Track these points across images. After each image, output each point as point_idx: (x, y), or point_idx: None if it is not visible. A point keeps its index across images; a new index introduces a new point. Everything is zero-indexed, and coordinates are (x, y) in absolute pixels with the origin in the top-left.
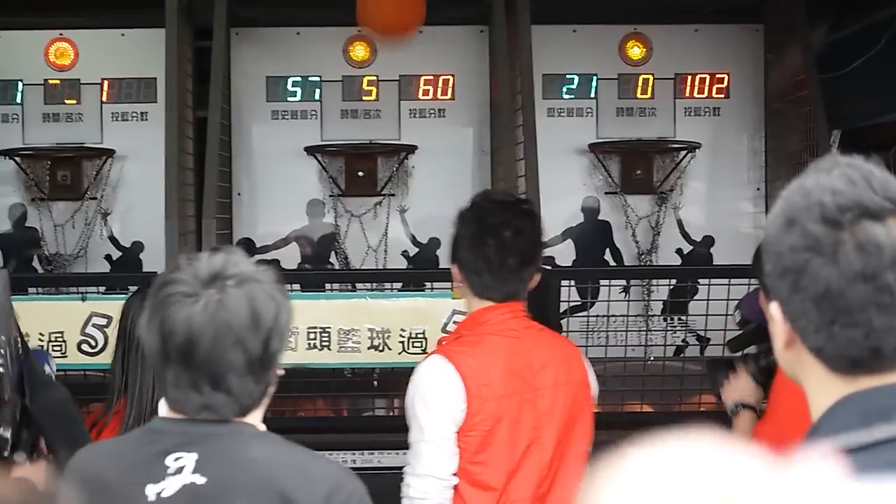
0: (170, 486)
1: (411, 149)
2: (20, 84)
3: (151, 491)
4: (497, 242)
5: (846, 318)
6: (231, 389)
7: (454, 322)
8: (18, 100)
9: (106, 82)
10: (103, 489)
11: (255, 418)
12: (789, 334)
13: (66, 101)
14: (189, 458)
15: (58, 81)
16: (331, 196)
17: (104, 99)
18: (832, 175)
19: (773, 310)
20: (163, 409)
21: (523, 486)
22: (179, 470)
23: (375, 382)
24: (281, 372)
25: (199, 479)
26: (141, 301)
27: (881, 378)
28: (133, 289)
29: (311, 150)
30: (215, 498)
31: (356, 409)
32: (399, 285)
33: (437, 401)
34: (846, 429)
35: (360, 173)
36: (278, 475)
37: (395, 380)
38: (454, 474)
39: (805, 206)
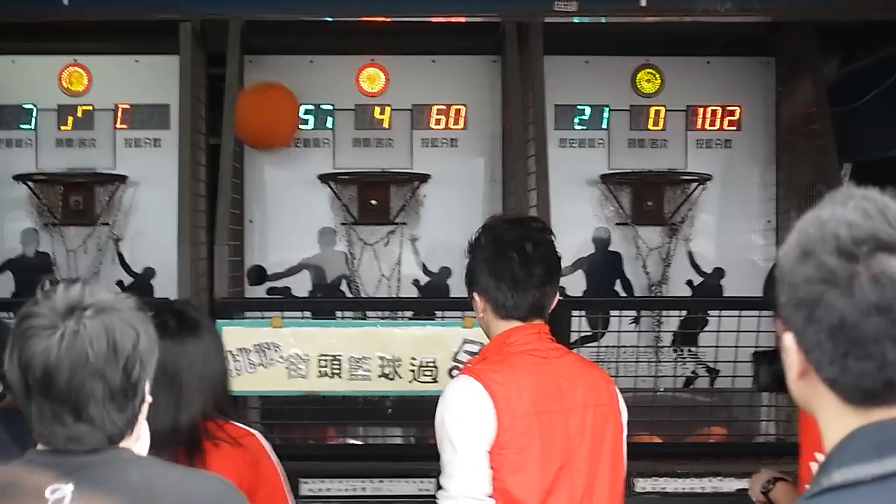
0: None
1: (424, 178)
2: (34, 109)
3: None
4: (520, 256)
5: (860, 351)
6: (94, 420)
7: (465, 351)
8: (32, 125)
9: (119, 108)
10: None
11: (129, 445)
12: (803, 365)
13: (80, 127)
14: (66, 490)
15: (71, 107)
16: (343, 224)
17: (117, 125)
18: (847, 207)
19: (788, 341)
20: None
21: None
22: (60, 501)
23: (389, 410)
24: (149, 399)
25: None
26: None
27: (894, 410)
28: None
29: (324, 178)
30: None
31: (367, 437)
32: (410, 314)
33: (468, 419)
34: (858, 461)
35: (373, 202)
36: (160, 499)
37: (407, 408)
38: (489, 495)
39: (820, 238)
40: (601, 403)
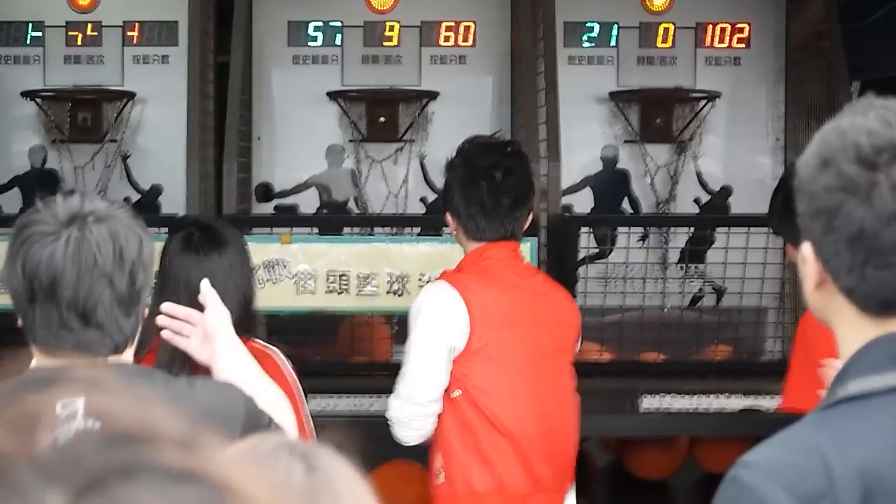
0: (64, 434)
1: (433, 95)
2: (42, 25)
3: (48, 440)
4: (489, 184)
5: (879, 260)
6: (102, 325)
7: None
8: (40, 42)
9: (127, 25)
10: None
11: (128, 356)
12: (821, 275)
13: (88, 44)
14: (78, 403)
15: (79, 23)
16: (351, 141)
17: (125, 42)
18: (868, 116)
19: (805, 250)
20: (38, 361)
21: (527, 416)
22: (72, 415)
23: (395, 328)
24: (145, 314)
25: (95, 424)
26: (179, 241)
27: None
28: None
29: (332, 95)
30: None
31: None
32: (418, 231)
33: (439, 325)
34: (875, 371)
35: (382, 119)
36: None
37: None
38: (434, 402)
39: (840, 146)
40: (568, 324)
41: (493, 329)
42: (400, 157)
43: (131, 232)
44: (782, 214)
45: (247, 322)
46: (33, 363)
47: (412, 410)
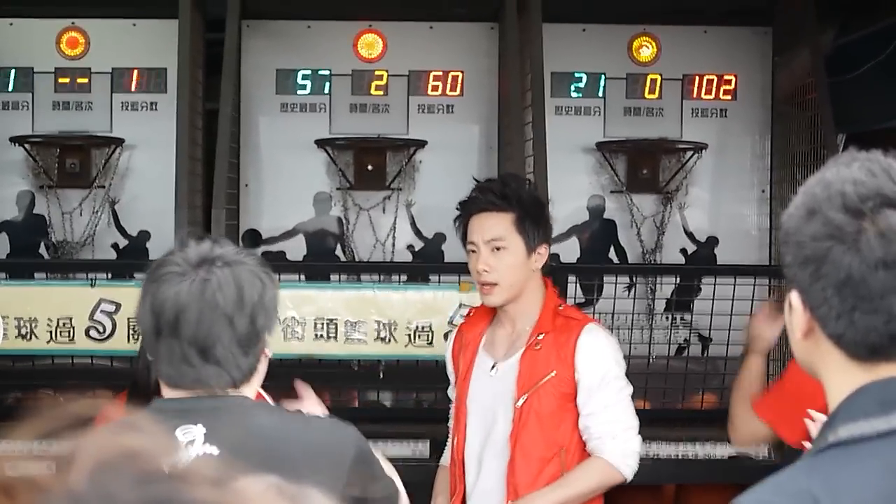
0: (184, 458)
1: (420, 144)
2: (31, 71)
3: (166, 466)
4: None
5: (867, 305)
6: (221, 361)
7: (461, 315)
8: (28, 87)
9: (116, 72)
10: None
11: (250, 394)
12: (809, 323)
13: (77, 90)
14: (197, 431)
15: (69, 70)
16: (338, 189)
17: (114, 88)
18: (852, 167)
19: (793, 299)
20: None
21: None
22: (191, 442)
23: (381, 374)
24: (269, 353)
25: (213, 450)
26: None
27: None
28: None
29: (320, 143)
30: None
31: (362, 401)
32: (405, 279)
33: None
34: (864, 416)
35: (369, 167)
36: (290, 443)
37: (400, 372)
38: None
39: (826, 196)
40: None
41: None
42: (387, 205)
43: (255, 277)
44: None
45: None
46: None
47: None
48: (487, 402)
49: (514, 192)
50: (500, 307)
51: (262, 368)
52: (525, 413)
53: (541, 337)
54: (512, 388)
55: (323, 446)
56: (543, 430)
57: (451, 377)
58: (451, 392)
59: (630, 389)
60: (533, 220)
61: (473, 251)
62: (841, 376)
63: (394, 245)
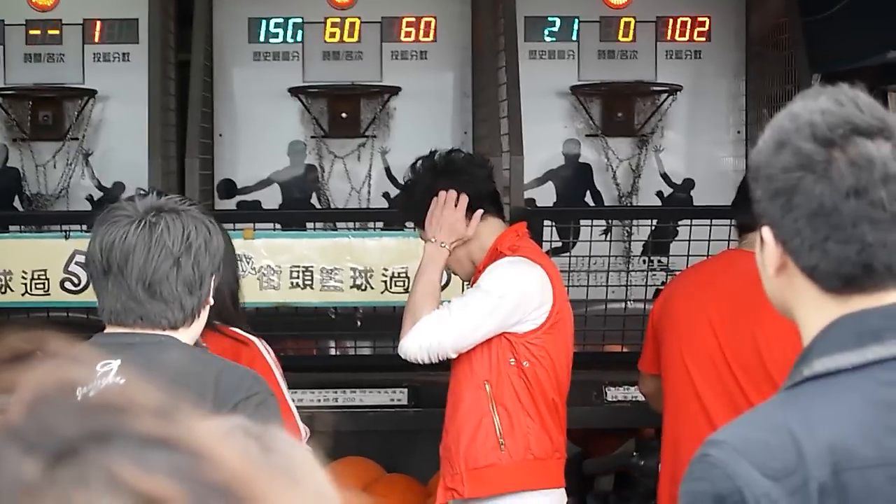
0: (95, 388)
1: (394, 90)
2: (1, 24)
3: (79, 393)
4: None
5: (839, 234)
6: (166, 299)
7: None
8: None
9: (88, 23)
10: None
11: (185, 336)
12: (781, 258)
13: (48, 42)
14: (114, 364)
15: (39, 21)
16: (313, 137)
17: (86, 39)
18: (819, 99)
19: (765, 234)
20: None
21: (567, 384)
22: (105, 374)
23: (359, 322)
24: (211, 301)
25: (120, 381)
26: None
27: (873, 299)
28: None
29: (294, 92)
30: None
31: (338, 349)
32: (381, 226)
33: (520, 300)
34: (840, 349)
35: (343, 115)
36: (187, 380)
37: (378, 319)
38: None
39: (795, 127)
40: None
41: (564, 302)
42: (362, 152)
43: (201, 223)
44: (739, 202)
45: (234, 312)
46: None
47: (440, 352)
48: None
49: (407, 196)
50: None
51: (204, 316)
52: None
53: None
54: None
55: (237, 388)
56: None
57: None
58: None
59: (484, 301)
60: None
61: None
62: (815, 311)
63: (369, 193)
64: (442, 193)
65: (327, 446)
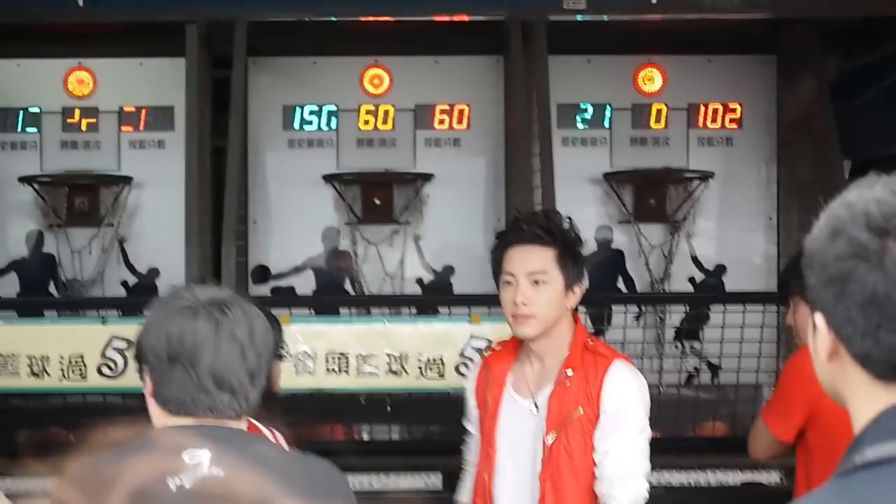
0: (189, 479)
1: (427, 177)
2: (39, 111)
3: (172, 483)
4: None
5: (892, 323)
6: (234, 390)
7: (472, 347)
8: (37, 128)
9: (124, 111)
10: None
11: (243, 426)
12: (833, 345)
13: (84, 130)
14: (203, 455)
15: (76, 109)
16: (347, 224)
17: (122, 127)
18: (875, 189)
19: (818, 321)
20: (159, 420)
21: None
22: (197, 465)
23: (389, 408)
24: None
25: (218, 472)
26: None
27: None
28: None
29: (328, 178)
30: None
31: (372, 434)
32: (415, 311)
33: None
34: (892, 437)
35: (377, 201)
36: (291, 473)
37: (411, 404)
38: None
39: (850, 216)
40: None
41: None
42: (395, 238)
43: (260, 317)
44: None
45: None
46: (159, 424)
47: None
48: (518, 439)
49: (557, 227)
50: (530, 343)
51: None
52: (555, 451)
53: (570, 373)
54: (542, 426)
55: (323, 480)
56: (572, 468)
57: (473, 411)
58: (471, 425)
59: (649, 433)
60: (573, 257)
61: (510, 283)
62: (866, 398)
63: (403, 278)
64: None
65: None
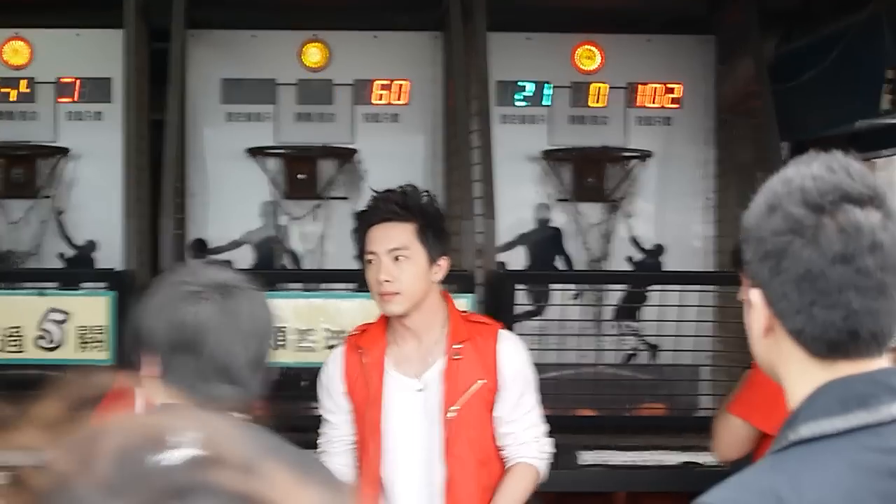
0: (168, 458)
1: (350, 152)
2: None
3: (159, 456)
4: None
5: (826, 300)
6: (236, 381)
7: None
8: None
9: (61, 81)
10: None
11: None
12: (769, 320)
13: (21, 100)
14: (189, 436)
15: (12, 79)
16: (283, 199)
17: (59, 99)
18: (812, 165)
19: (753, 296)
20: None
21: None
22: (179, 444)
23: (302, 383)
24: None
25: (205, 440)
26: None
27: (859, 365)
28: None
29: (253, 152)
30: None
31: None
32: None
33: None
34: (825, 415)
35: (300, 175)
36: (287, 459)
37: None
38: None
39: (787, 192)
40: None
41: None
42: (331, 213)
43: (264, 305)
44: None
45: None
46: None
47: None
48: (408, 420)
49: (415, 202)
50: (401, 323)
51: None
52: (456, 425)
53: (459, 346)
54: (436, 403)
55: (305, 456)
56: (472, 440)
57: (340, 398)
58: (333, 415)
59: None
60: (434, 231)
61: (372, 261)
62: (801, 375)
63: (338, 253)
64: None
65: None
